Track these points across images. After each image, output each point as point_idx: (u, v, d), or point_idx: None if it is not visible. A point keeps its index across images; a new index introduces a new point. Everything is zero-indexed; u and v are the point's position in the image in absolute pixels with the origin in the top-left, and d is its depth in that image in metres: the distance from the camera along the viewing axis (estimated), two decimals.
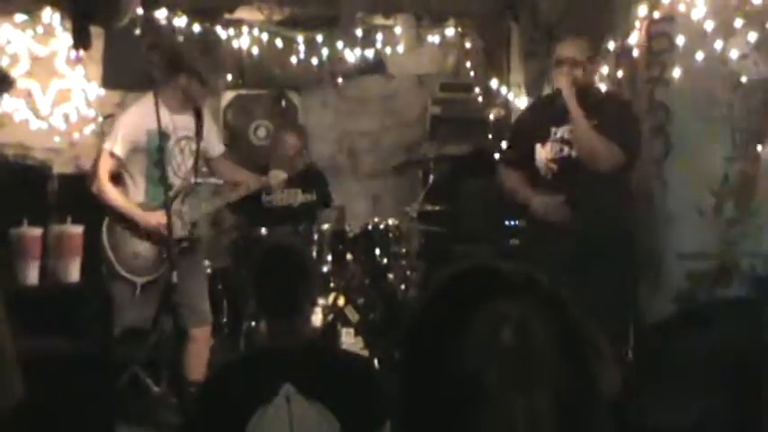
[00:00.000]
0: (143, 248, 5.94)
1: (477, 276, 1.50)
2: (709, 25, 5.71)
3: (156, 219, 5.80)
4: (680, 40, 5.84)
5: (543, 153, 5.68)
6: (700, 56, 5.73)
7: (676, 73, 5.85)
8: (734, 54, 5.68)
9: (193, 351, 6.09)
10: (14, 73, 7.13)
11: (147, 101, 5.88)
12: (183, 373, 6.10)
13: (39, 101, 7.87)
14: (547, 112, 5.75)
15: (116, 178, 5.98)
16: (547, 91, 7.21)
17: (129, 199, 5.94)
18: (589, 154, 5.45)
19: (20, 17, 7.73)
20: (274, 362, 3.47)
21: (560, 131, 5.64)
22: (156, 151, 5.79)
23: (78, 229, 5.47)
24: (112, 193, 5.89)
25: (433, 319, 1.47)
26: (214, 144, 6.34)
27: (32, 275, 5.10)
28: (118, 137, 5.90)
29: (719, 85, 5.81)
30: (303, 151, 7.82)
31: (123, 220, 5.89)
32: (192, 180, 6.06)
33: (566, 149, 5.61)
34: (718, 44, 5.70)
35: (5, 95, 6.53)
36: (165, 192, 5.71)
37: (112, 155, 5.88)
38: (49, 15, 7.75)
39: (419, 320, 1.50)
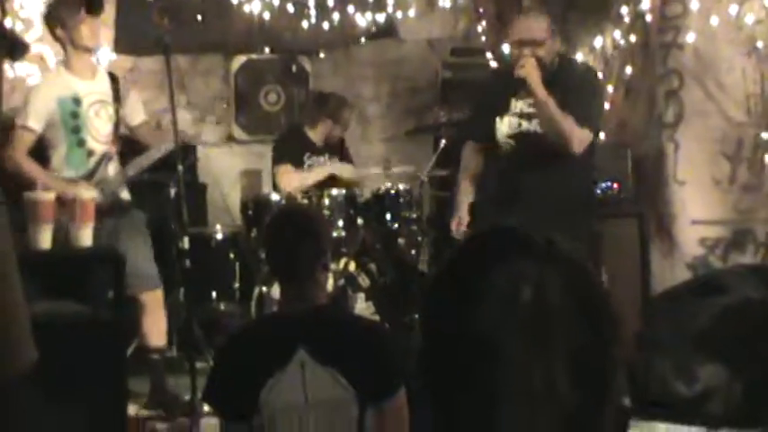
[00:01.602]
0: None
1: (495, 238, 1.51)
2: None
3: (81, 189, 5.60)
4: (694, 5, 5.80)
5: (502, 128, 5.48)
6: (714, 21, 5.70)
7: (690, 38, 5.81)
8: (749, 19, 5.65)
9: (147, 317, 6.01)
10: (27, 38, 7.11)
11: (53, 70, 5.88)
12: (145, 342, 6.03)
13: (51, 65, 7.86)
14: (506, 84, 5.49)
15: (38, 156, 5.87)
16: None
17: (53, 172, 5.81)
18: (558, 138, 5.21)
19: None
20: (288, 328, 3.48)
21: (519, 105, 5.44)
22: (71, 117, 5.76)
23: (92, 194, 5.46)
24: (32, 168, 5.73)
25: (452, 281, 1.48)
26: (135, 111, 6.18)
27: (45, 239, 5.10)
28: (29, 110, 5.76)
29: (734, 51, 5.78)
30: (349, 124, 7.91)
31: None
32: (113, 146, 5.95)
33: (524, 124, 5.41)
34: (734, 9, 5.66)
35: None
36: (87, 159, 5.71)
37: (27, 128, 5.74)
38: None
39: (438, 282, 1.51)
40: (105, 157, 5.91)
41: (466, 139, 5.87)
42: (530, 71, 5.13)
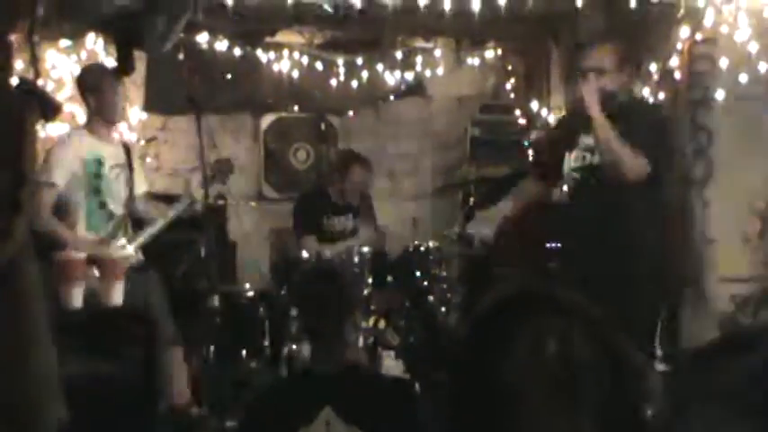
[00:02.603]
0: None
1: (522, 299, 1.52)
2: (753, 47, 5.68)
3: (110, 250, 5.73)
4: (723, 63, 5.81)
5: (569, 162, 5.44)
6: (743, 78, 5.70)
7: (719, 95, 5.82)
8: None
9: (169, 375, 6.00)
10: (59, 97, 7.20)
11: (77, 132, 5.94)
12: (169, 400, 6.03)
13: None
14: (575, 121, 5.49)
15: (58, 213, 5.85)
16: None
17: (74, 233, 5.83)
18: (612, 162, 5.13)
19: (64, 42, 7.81)
20: (315, 385, 3.47)
21: (586, 140, 5.36)
22: (94, 178, 5.80)
23: (126, 253, 5.50)
24: (60, 228, 5.75)
25: (478, 341, 1.49)
26: (139, 181, 6.20)
27: (76, 299, 5.13)
28: (53, 165, 5.77)
29: (763, 108, 5.78)
30: (369, 182, 7.82)
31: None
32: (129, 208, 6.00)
33: (588, 157, 5.35)
34: (763, 66, 5.67)
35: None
36: (107, 220, 5.76)
37: (50, 185, 5.76)
38: (93, 41, 7.83)
39: (465, 342, 1.52)
40: (123, 220, 5.96)
41: (534, 176, 5.90)
42: (588, 89, 5.11)
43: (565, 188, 5.52)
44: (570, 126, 5.56)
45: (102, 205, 5.84)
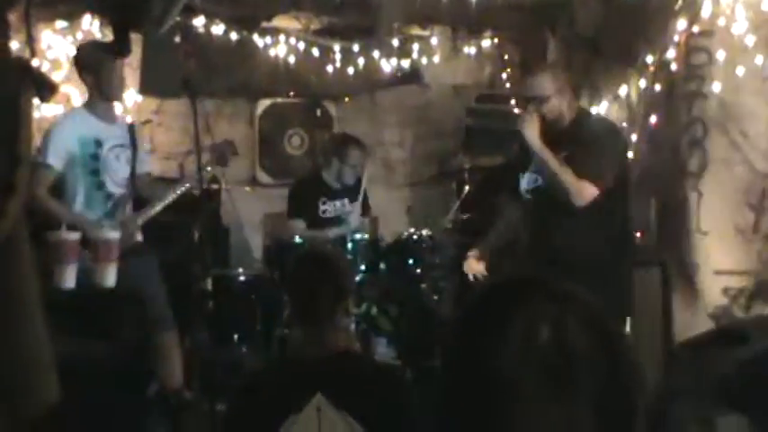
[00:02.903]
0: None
1: (514, 285, 1.52)
2: (749, 40, 5.68)
3: (103, 230, 5.70)
4: (719, 55, 5.81)
5: (523, 183, 5.51)
6: (740, 71, 5.70)
7: (715, 88, 5.82)
8: None
9: (163, 359, 6.03)
10: (54, 78, 7.18)
11: (77, 110, 5.94)
12: (163, 383, 6.04)
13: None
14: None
15: (57, 193, 5.87)
16: (584, 102, 7.20)
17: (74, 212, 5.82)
18: (558, 189, 5.20)
19: (60, 23, 7.80)
20: (306, 371, 3.47)
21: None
22: (92, 159, 5.80)
23: (115, 234, 5.49)
24: (54, 206, 5.76)
25: (472, 328, 1.49)
26: (143, 161, 6.22)
27: (70, 279, 5.13)
28: (49, 147, 5.77)
29: (759, 101, 5.78)
30: (363, 168, 7.84)
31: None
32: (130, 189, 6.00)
33: (539, 179, 5.41)
34: (759, 59, 5.66)
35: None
36: (106, 201, 5.77)
37: (47, 166, 5.77)
38: (89, 22, 7.82)
39: (459, 330, 1.52)
40: (122, 201, 5.95)
41: (505, 194, 5.89)
42: (526, 125, 5.23)
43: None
44: (525, 146, 5.53)
45: (101, 185, 5.83)
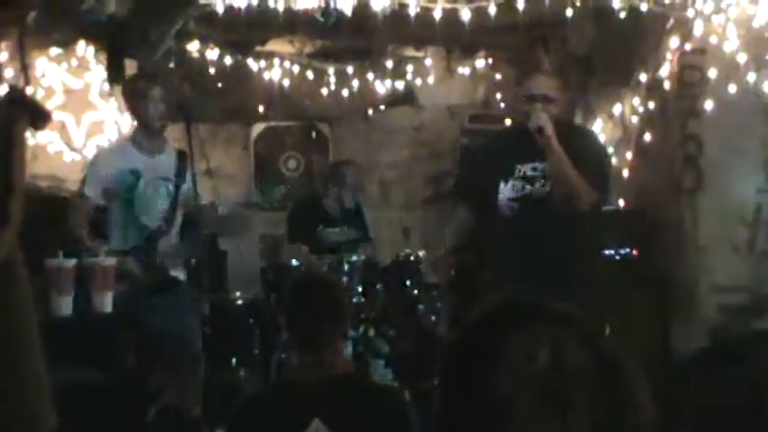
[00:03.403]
0: None
1: (512, 308, 1.52)
2: (741, 58, 5.70)
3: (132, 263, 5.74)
4: (712, 73, 5.83)
5: (505, 191, 5.32)
6: (732, 88, 5.72)
7: (708, 105, 5.84)
8: (767, 87, 5.67)
9: (184, 388, 5.99)
10: (49, 105, 7.19)
11: (118, 141, 5.96)
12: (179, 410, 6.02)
13: (72, 133, 7.93)
14: (511, 148, 5.42)
15: (95, 225, 5.91)
16: (578, 121, 7.21)
17: (107, 243, 5.81)
18: (567, 195, 5.12)
19: (55, 50, 7.80)
20: (303, 396, 3.45)
21: (525, 168, 5.31)
22: (127, 191, 5.81)
23: (112, 262, 5.48)
24: (84, 238, 5.76)
25: (468, 351, 1.49)
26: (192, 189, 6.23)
27: (66, 306, 5.12)
28: (89, 179, 5.82)
29: (752, 118, 5.80)
30: (361, 188, 7.88)
31: None
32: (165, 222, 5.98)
33: (528, 188, 5.29)
34: (751, 77, 5.69)
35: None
36: (140, 234, 5.78)
37: (82, 196, 5.82)
38: (84, 48, 7.82)
39: (455, 354, 1.52)
40: (158, 233, 5.92)
41: (461, 200, 5.72)
42: (544, 122, 5.09)
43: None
44: (505, 152, 5.44)
45: (135, 219, 5.82)
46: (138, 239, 5.84)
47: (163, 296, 5.81)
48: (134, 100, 5.93)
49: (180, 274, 5.98)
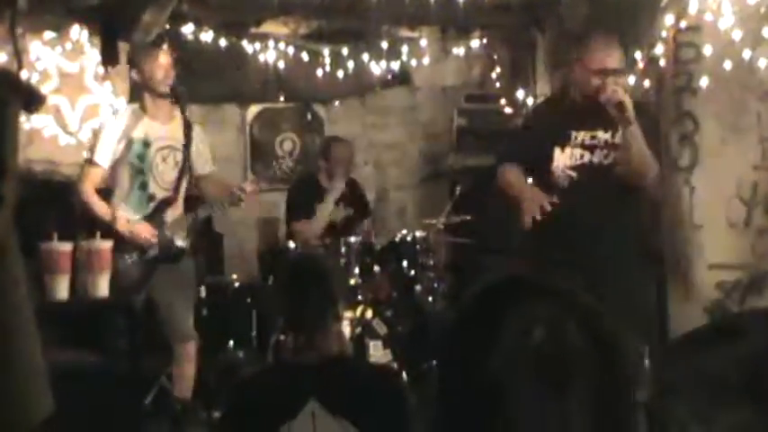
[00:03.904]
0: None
1: (509, 286, 1.51)
2: (737, 34, 5.68)
3: (143, 231, 5.79)
4: (707, 50, 5.81)
5: (562, 159, 5.38)
6: (728, 65, 5.71)
7: (704, 82, 5.82)
8: (762, 63, 5.66)
9: (176, 368, 6.02)
10: (44, 89, 7.17)
11: (128, 109, 5.95)
12: (172, 391, 6.05)
13: (67, 117, 7.90)
14: (566, 115, 5.46)
15: (104, 193, 5.96)
16: None
17: (113, 209, 5.89)
18: (637, 169, 5.21)
19: (49, 34, 7.77)
20: (299, 377, 3.46)
21: (581, 136, 5.38)
22: (138, 159, 5.82)
23: (107, 245, 5.48)
24: (98, 205, 5.85)
25: (466, 330, 1.48)
26: (203, 161, 6.24)
27: (62, 290, 5.12)
28: (98, 145, 5.88)
29: (748, 95, 5.79)
30: (352, 163, 7.93)
31: (111, 233, 5.75)
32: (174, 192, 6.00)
33: (587, 156, 5.37)
34: (747, 53, 5.67)
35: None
36: (148, 202, 5.78)
37: (94, 163, 5.86)
38: (78, 32, 7.79)
39: (453, 332, 1.51)
40: (165, 203, 5.94)
41: (512, 161, 5.62)
42: (625, 95, 5.10)
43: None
44: (560, 119, 5.49)
45: (143, 186, 5.85)
46: (144, 208, 5.86)
47: (167, 267, 5.85)
48: (141, 64, 5.94)
49: (184, 245, 6.02)
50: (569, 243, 5.22)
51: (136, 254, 5.82)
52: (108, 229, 5.72)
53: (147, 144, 5.85)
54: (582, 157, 5.37)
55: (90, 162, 5.87)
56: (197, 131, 6.14)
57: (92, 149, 5.90)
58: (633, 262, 5.42)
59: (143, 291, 5.79)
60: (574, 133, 5.38)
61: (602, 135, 5.33)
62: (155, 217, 5.90)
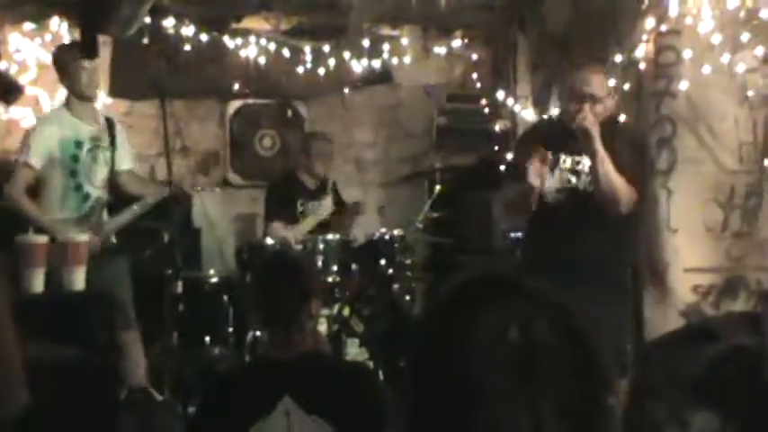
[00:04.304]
0: None
1: (484, 284, 1.52)
2: (716, 39, 5.71)
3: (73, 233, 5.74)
4: (687, 54, 5.84)
5: (551, 181, 5.38)
6: (707, 69, 5.73)
7: (683, 86, 5.84)
8: (741, 68, 5.68)
9: (126, 357, 6.05)
10: (22, 80, 7.15)
11: (59, 110, 5.96)
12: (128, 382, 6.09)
13: (46, 109, 7.89)
14: (556, 138, 5.45)
15: (30, 192, 5.93)
16: (553, 103, 7.21)
17: (43, 212, 5.88)
18: (610, 196, 5.20)
19: (28, 26, 7.75)
20: (273, 374, 3.46)
21: (569, 160, 5.40)
22: (71, 160, 5.82)
23: (84, 238, 5.46)
24: (29, 207, 5.84)
25: (440, 327, 1.49)
26: (124, 157, 6.28)
27: (38, 283, 5.10)
28: (32, 146, 5.86)
29: (726, 99, 5.81)
30: (331, 159, 7.96)
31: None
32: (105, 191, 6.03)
33: (573, 180, 5.40)
34: (725, 58, 5.70)
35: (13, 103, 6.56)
36: (83, 202, 5.78)
37: (28, 165, 5.83)
38: (57, 24, 7.77)
39: (427, 328, 1.52)
40: (99, 202, 5.96)
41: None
42: (589, 123, 5.11)
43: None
44: (550, 142, 5.45)
45: (78, 187, 5.87)
46: (80, 208, 5.86)
47: (102, 262, 5.83)
48: (69, 71, 5.94)
49: (113, 240, 6.06)
50: (555, 263, 5.23)
51: None
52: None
53: (79, 144, 5.86)
54: (569, 181, 5.39)
55: (23, 163, 5.83)
56: (119, 129, 6.20)
57: (24, 150, 5.86)
58: (613, 276, 5.47)
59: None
60: (563, 157, 5.39)
61: (587, 161, 5.31)
62: (91, 217, 5.92)
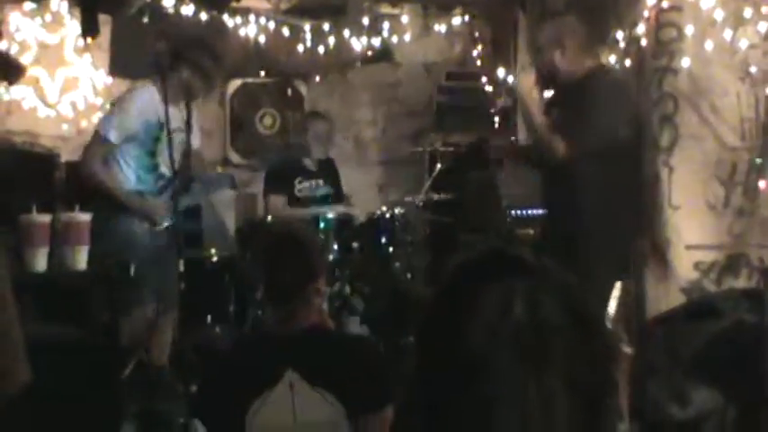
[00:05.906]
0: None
1: (488, 260, 1.52)
2: (718, 15, 5.69)
3: (161, 208, 5.83)
4: (688, 30, 5.82)
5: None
6: (709, 45, 5.71)
7: (685, 62, 5.83)
8: (743, 44, 5.67)
9: (158, 336, 6.11)
10: (23, 60, 7.13)
11: (147, 90, 5.93)
12: (149, 358, 6.12)
13: (47, 88, 7.88)
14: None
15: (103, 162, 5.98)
16: None
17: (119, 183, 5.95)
18: (540, 149, 5.48)
19: (29, 5, 7.74)
20: (277, 348, 3.47)
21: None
22: (153, 142, 5.83)
23: (86, 217, 5.46)
24: (107, 178, 5.91)
25: (445, 304, 1.49)
26: (197, 137, 6.33)
27: (41, 262, 5.10)
28: (114, 123, 5.89)
29: (728, 75, 5.80)
30: (331, 138, 7.97)
31: (116, 206, 5.89)
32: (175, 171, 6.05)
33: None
34: (728, 34, 5.68)
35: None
36: (156, 182, 5.86)
37: (107, 141, 5.86)
38: (58, 3, 7.76)
39: (433, 302, 1.52)
40: (170, 181, 5.98)
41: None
42: (520, 76, 5.29)
43: None
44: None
45: (155, 167, 5.88)
46: (153, 186, 5.91)
47: (162, 242, 5.89)
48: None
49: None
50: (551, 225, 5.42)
51: (147, 224, 5.88)
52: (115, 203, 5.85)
53: (162, 127, 5.86)
54: None
55: (102, 138, 5.86)
56: (194, 109, 6.18)
57: (105, 125, 5.89)
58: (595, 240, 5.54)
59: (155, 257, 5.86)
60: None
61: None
62: (162, 195, 5.96)
